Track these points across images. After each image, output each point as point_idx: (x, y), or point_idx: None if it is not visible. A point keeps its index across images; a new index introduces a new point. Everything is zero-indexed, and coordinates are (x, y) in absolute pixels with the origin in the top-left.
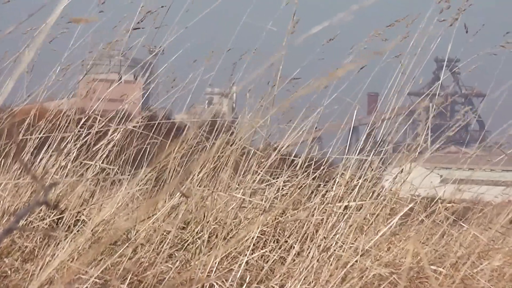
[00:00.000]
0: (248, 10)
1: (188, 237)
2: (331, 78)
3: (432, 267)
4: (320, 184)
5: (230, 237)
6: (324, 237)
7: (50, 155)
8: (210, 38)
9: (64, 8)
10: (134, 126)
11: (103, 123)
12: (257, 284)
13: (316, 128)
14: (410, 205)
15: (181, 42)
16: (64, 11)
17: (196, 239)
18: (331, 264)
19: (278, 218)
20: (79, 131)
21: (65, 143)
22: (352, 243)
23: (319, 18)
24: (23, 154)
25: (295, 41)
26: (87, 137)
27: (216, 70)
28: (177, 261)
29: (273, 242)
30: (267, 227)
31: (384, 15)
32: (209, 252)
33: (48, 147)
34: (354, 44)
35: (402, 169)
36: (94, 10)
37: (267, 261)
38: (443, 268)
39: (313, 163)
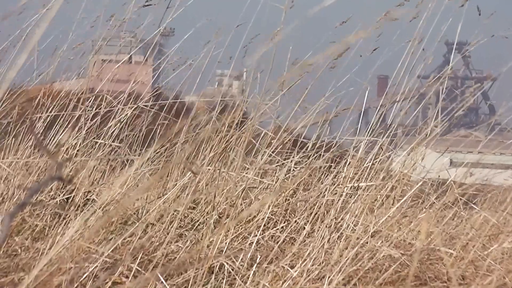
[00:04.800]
0: None
1: (198, 217)
2: (343, 45)
3: (442, 248)
4: (331, 166)
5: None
6: (335, 217)
7: (61, 134)
8: (217, 17)
9: None
10: (144, 105)
11: (112, 103)
12: (267, 264)
13: (327, 111)
14: (419, 184)
15: (191, 22)
16: None
17: (206, 219)
18: (341, 245)
19: (288, 199)
20: (88, 110)
21: (75, 123)
22: (363, 224)
23: None
24: (35, 131)
25: (308, 13)
26: (97, 117)
27: (226, 50)
28: (187, 240)
29: (284, 223)
30: (278, 207)
31: None
32: (220, 232)
33: (58, 126)
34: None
35: (412, 151)
36: None
37: (278, 242)
38: (453, 250)
39: (324, 145)
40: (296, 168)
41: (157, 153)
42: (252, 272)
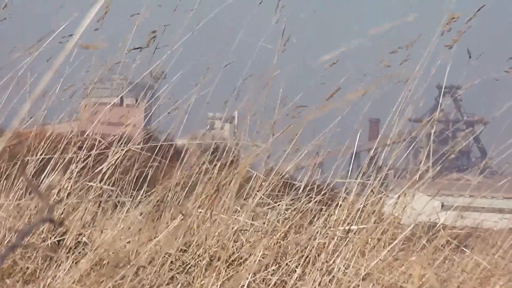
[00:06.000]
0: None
1: (189, 259)
2: (341, 104)
3: None
4: (322, 208)
5: (232, 260)
6: (326, 260)
7: (52, 177)
8: (209, 58)
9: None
10: (135, 148)
11: (104, 146)
12: None
13: (318, 153)
14: (411, 227)
15: (181, 64)
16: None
17: (197, 261)
18: None
19: (279, 242)
20: (80, 153)
21: (66, 165)
22: (354, 267)
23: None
24: (27, 174)
25: (312, 64)
26: (88, 159)
27: (217, 93)
28: (178, 283)
29: (275, 265)
30: (269, 250)
31: (388, 38)
32: (211, 275)
33: (50, 169)
34: (364, 71)
35: (402, 194)
36: (94, 26)
37: (269, 285)
38: None
39: (315, 188)
40: (287, 211)
41: (148, 195)
42: None
